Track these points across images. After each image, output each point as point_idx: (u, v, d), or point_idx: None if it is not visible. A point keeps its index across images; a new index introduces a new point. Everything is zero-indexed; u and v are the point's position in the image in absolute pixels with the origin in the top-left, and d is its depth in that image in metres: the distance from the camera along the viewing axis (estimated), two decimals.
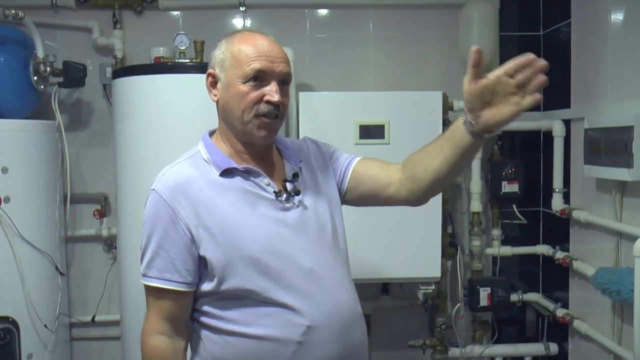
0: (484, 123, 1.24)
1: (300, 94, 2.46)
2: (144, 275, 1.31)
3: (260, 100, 1.29)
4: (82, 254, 2.90)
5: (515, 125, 2.79)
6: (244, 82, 1.29)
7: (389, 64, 2.89)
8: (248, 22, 2.84)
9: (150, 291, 1.32)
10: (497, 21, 2.65)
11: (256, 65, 1.28)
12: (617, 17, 2.22)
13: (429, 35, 2.90)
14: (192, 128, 2.14)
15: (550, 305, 2.72)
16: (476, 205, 2.75)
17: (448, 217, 2.77)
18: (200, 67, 2.20)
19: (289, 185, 1.37)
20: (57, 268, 2.54)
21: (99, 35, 2.74)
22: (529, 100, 1.21)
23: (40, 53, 2.51)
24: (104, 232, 2.81)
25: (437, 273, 2.54)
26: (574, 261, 2.50)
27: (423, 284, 2.57)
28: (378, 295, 2.87)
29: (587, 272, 2.34)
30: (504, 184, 2.72)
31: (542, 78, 1.21)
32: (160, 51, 2.40)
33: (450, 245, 2.77)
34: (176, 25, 2.80)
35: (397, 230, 2.44)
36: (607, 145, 2.11)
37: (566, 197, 2.61)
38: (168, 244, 1.28)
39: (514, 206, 2.84)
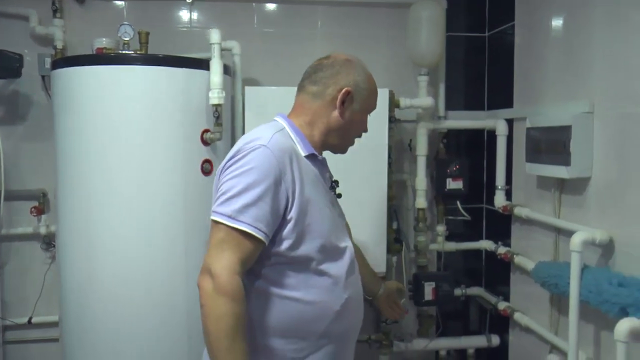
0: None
1: (247, 88, 2.44)
2: (232, 218, 1.34)
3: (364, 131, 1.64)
4: (19, 253, 2.78)
5: (460, 124, 2.87)
6: (367, 115, 1.61)
7: None
8: (195, 15, 2.78)
9: (234, 234, 1.34)
10: (445, 21, 2.69)
11: (375, 107, 1.63)
12: (558, 22, 2.30)
13: (377, 33, 2.92)
14: (136, 121, 2.11)
15: (493, 299, 2.81)
16: (421, 202, 2.79)
17: (394, 214, 2.80)
18: (146, 59, 2.14)
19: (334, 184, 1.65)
20: None
21: (37, 24, 2.62)
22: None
23: None
24: (42, 230, 2.71)
25: (382, 269, 2.58)
26: (515, 256, 2.58)
27: None
28: None
29: (528, 266, 2.42)
30: (449, 181, 2.78)
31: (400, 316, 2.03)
32: (103, 42, 2.32)
33: (395, 241, 2.80)
34: (120, 16, 2.71)
35: None
36: (547, 144, 2.18)
37: (508, 194, 2.70)
38: (268, 198, 1.36)
39: (458, 203, 2.91)
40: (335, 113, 1.52)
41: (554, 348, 2.34)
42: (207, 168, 2.21)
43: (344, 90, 1.51)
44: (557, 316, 2.33)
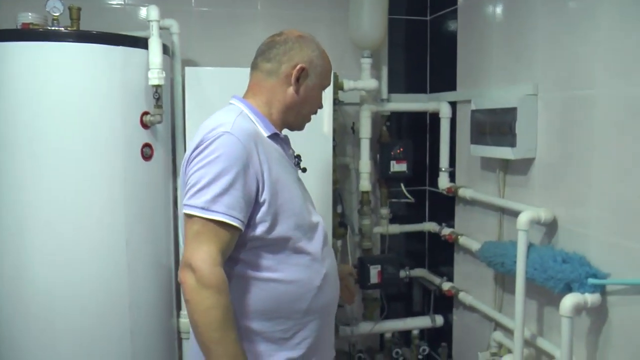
0: None
1: (187, 69, 2.33)
2: (205, 209, 1.33)
3: (319, 107, 1.63)
4: None
5: (404, 107, 2.87)
6: (321, 91, 1.59)
7: None
8: None
9: (210, 225, 1.33)
10: (387, 4, 2.67)
11: (330, 83, 1.61)
12: (501, 7, 2.33)
13: (318, 15, 2.87)
14: (69, 103, 1.96)
15: (437, 280, 2.85)
16: (366, 185, 2.78)
17: (338, 197, 2.78)
18: (79, 36, 1.98)
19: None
20: None
21: None
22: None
23: None
24: None
25: None
26: (459, 237, 2.62)
27: None
28: None
29: (472, 246, 2.47)
30: (393, 163, 2.78)
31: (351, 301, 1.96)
32: (29, 17, 2.13)
33: (340, 225, 2.78)
34: None
35: None
36: (492, 126, 2.21)
37: (452, 176, 2.73)
38: (239, 184, 1.35)
39: (402, 185, 2.91)
40: (291, 90, 1.52)
41: (498, 325, 2.40)
42: (147, 152, 2.10)
43: (298, 67, 1.50)
44: (501, 294, 2.39)
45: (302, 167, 1.69)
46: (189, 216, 1.34)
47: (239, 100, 1.54)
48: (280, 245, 1.44)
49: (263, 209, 1.40)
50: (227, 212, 1.33)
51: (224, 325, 1.31)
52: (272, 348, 1.46)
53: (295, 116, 1.56)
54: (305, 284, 1.48)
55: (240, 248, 1.41)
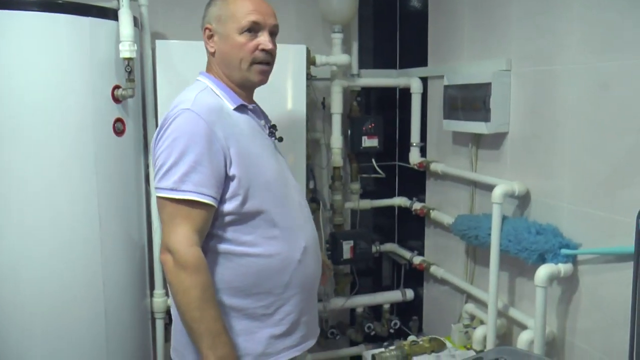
0: None
1: (157, 42, 2.25)
2: (175, 190, 1.32)
3: (255, 49, 1.50)
4: None
5: (375, 82, 2.87)
6: (240, 34, 1.48)
7: None
8: None
9: (181, 205, 1.33)
10: None
11: (251, 17, 1.48)
12: None
13: None
14: (35, 76, 1.87)
15: (407, 254, 2.89)
16: (337, 160, 2.77)
17: (310, 173, 2.77)
18: (43, 5, 1.87)
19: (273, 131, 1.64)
20: None
21: None
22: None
23: None
24: None
25: None
26: (431, 211, 2.65)
27: None
28: None
29: (444, 220, 2.51)
30: (364, 139, 2.78)
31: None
32: None
33: (312, 200, 2.78)
34: None
35: None
36: (466, 101, 2.24)
37: (422, 151, 2.75)
38: (206, 161, 1.33)
39: (373, 160, 2.93)
40: (210, 51, 1.55)
41: (469, 297, 2.46)
42: (119, 127, 2.03)
43: (205, 30, 1.54)
44: (472, 267, 2.45)
45: (277, 136, 1.67)
46: (160, 199, 1.35)
47: (204, 76, 1.55)
48: (256, 219, 1.43)
49: (233, 183, 1.39)
50: (197, 189, 1.32)
51: (204, 304, 1.32)
52: (254, 325, 1.46)
53: (233, 71, 1.51)
54: (285, 257, 1.47)
55: (217, 225, 1.41)
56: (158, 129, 1.40)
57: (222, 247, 1.42)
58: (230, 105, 1.47)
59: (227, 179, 1.39)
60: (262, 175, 1.45)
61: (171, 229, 1.33)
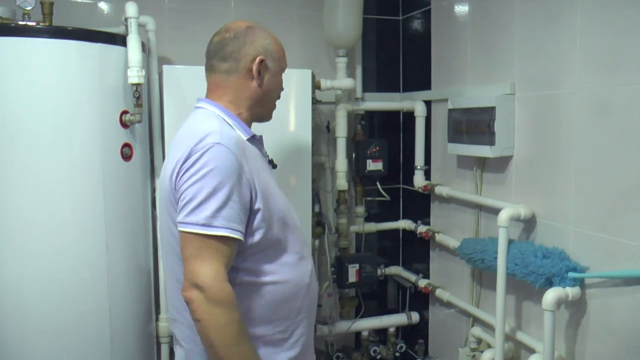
0: None
1: (164, 67, 2.27)
2: (207, 225, 1.30)
3: None
4: None
5: (379, 105, 2.89)
6: (281, 76, 1.58)
7: None
8: None
9: (211, 241, 1.31)
10: (362, 3, 2.68)
11: (286, 65, 1.60)
12: (475, 7, 2.37)
13: (291, 13, 2.86)
14: (45, 101, 1.89)
15: (412, 277, 2.88)
16: (342, 184, 2.79)
17: (315, 197, 2.78)
18: (54, 32, 1.91)
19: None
20: None
21: None
22: None
23: None
24: None
25: None
26: (436, 234, 2.65)
27: None
28: None
29: (449, 243, 2.51)
30: (369, 162, 2.79)
31: None
32: None
33: (317, 224, 2.78)
34: None
35: None
36: (470, 125, 2.25)
37: (427, 174, 2.76)
38: (236, 195, 1.33)
39: (378, 184, 2.93)
40: (254, 84, 1.51)
41: (476, 320, 2.45)
42: (127, 152, 2.04)
43: (257, 60, 1.49)
44: (478, 290, 2.44)
45: (274, 164, 1.69)
46: (186, 234, 1.31)
47: (209, 104, 1.50)
48: (274, 248, 1.45)
49: (258, 216, 1.39)
50: (228, 225, 1.31)
51: (241, 339, 1.32)
52: (272, 351, 1.46)
53: (264, 107, 1.57)
54: (297, 282, 1.49)
55: (239, 257, 1.39)
56: (182, 160, 1.34)
57: (245, 278, 1.41)
58: (243, 136, 1.47)
59: (252, 212, 1.39)
60: (277, 205, 1.47)
61: (200, 263, 1.29)
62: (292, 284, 1.48)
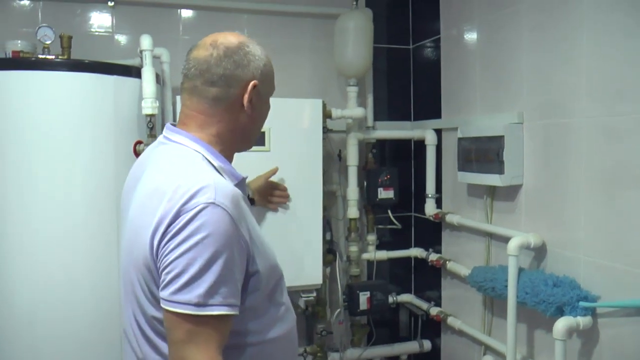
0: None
1: (178, 97, 2.31)
2: (201, 305, 1.06)
3: None
4: None
5: (390, 134, 2.92)
6: (269, 100, 1.35)
7: None
8: (115, 19, 2.63)
9: (206, 321, 1.08)
10: (372, 32, 2.73)
11: (274, 86, 1.36)
12: (484, 37, 2.41)
13: (302, 44, 2.92)
14: (62, 132, 1.95)
15: (424, 305, 2.87)
16: (354, 212, 2.80)
17: (326, 225, 2.79)
18: (72, 65, 1.99)
19: None
20: None
21: None
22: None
23: None
24: None
25: (319, 280, 2.54)
26: (447, 262, 2.65)
27: (304, 292, 2.56)
28: None
29: (461, 271, 2.50)
30: (380, 190, 2.81)
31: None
32: (18, 44, 2.12)
33: (328, 252, 2.79)
34: (34, 18, 2.49)
35: (280, 240, 2.38)
36: (480, 154, 2.27)
37: (438, 202, 2.77)
38: (234, 266, 1.11)
39: (389, 212, 2.95)
40: (244, 115, 1.27)
41: (487, 349, 2.43)
42: None
43: (251, 85, 1.24)
44: (490, 318, 2.42)
45: (252, 200, 1.56)
46: (176, 314, 1.07)
47: (189, 139, 1.23)
48: (262, 304, 1.25)
49: (254, 279, 1.20)
50: (226, 302, 1.09)
51: None
52: None
53: (250, 140, 1.35)
54: (287, 336, 1.32)
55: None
56: (165, 222, 1.08)
57: (237, 341, 1.21)
58: (231, 182, 1.22)
59: (247, 275, 1.18)
60: (269, 259, 1.27)
61: (195, 351, 1.07)
62: (278, 342, 1.29)
